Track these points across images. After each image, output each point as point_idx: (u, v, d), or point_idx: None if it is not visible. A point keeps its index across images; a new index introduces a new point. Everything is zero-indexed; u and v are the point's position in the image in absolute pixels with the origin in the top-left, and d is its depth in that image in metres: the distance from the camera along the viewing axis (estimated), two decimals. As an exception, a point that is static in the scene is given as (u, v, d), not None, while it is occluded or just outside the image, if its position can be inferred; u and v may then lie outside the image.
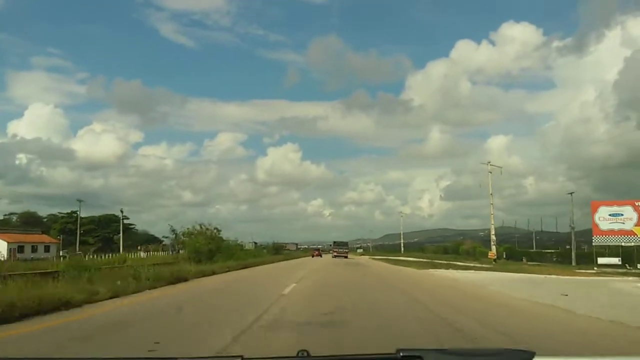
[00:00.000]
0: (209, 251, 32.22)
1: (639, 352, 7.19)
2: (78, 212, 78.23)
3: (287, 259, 56.59)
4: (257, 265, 33.13)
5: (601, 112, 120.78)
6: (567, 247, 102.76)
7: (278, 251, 66.89)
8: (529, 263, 66.79)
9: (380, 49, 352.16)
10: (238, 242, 63.88)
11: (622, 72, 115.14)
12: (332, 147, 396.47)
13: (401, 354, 2.01)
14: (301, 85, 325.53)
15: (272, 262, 41.40)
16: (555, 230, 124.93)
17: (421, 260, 56.66)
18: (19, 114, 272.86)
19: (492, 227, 64.41)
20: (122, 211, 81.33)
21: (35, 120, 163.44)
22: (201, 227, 34.29)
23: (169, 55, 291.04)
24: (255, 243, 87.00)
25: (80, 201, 78.13)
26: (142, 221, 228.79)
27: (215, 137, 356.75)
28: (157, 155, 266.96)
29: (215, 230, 35.05)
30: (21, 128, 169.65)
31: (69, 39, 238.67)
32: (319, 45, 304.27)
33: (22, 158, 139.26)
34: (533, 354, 2.13)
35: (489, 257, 62.50)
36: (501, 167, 65.24)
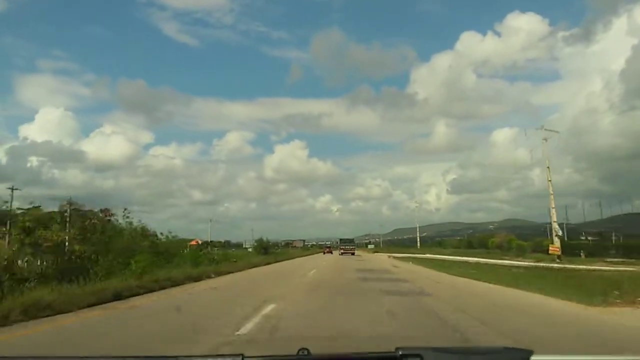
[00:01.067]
0: (78, 257, 15.30)
1: (638, 351, 6.26)
2: (9, 206, 61.29)
3: (275, 262, 39.33)
4: (172, 285, 15.61)
5: (607, 103, 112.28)
6: (589, 238, 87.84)
7: (267, 251, 49.37)
8: (608, 260, 49.19)
9: (384, 42, 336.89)
10: (195, 241, 47.64)
11: (630, 61, 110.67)
12: (338, 144, 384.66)
13: (400, 353, 1.97)
14: (306, 82, 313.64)
15: (232, 271, 24.05)
16: (562, 222, 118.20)
17: (474, 260, 39.02)
18: (29, 117, 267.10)
19: (553, 211, 47.08)
20: (70, 204, 63.85)
21: (46, 124, 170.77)
22: (70, 206, 17.20)
23: (174, 55, 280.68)
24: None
25: (13, 189, 60.82)
26: (154, 220, 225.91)
27: (223, 136, 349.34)
28: (166, 155, 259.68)
29: (101, 216, 17.89)
30: (32, 131, 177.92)
31: (75, 42, 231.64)
32: (322, 40, 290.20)
33: (33, 160, 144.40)
34: (531, 353, 2.08)
35: (550, 252, 45.47)
36: (558, 132, 48.44)
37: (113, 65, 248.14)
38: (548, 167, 46.00)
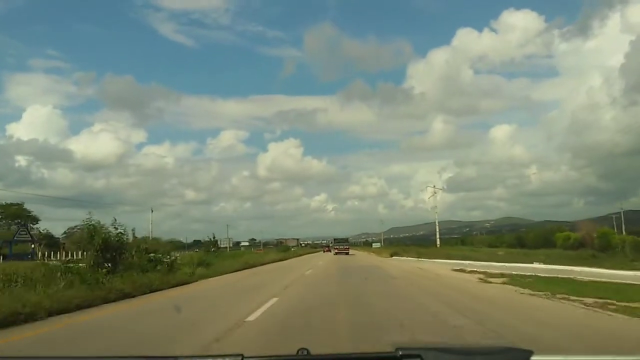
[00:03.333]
0: None
1: (639, 351, 6.33)
2: None
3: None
4: None
5: (607, 98, 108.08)
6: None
7: (154, 265, 17.82)
8: None
9: (380, 38, 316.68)
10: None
11: (629, 56, 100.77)
12: (333, 141, 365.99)
13: (400, 353, 1.93)
14: (301, 79, 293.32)
15: None
16: (559, 220, 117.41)
17: None
18: (17, 116, 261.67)
19: None
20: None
21: (35, 122, 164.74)
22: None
23: (169, 55, 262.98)
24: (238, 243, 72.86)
25: None
26: (146, 220, 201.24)
27: (217, 135, 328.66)
28: (158, 154, 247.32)
29: None
30: (21, 130, 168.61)
31: (69, 41, 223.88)
32: (315, 36, 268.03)
33: (20, 160, 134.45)
34: (531, 353, 2.03)
35: None
36: None
37: (106, 64, 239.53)
38: None
